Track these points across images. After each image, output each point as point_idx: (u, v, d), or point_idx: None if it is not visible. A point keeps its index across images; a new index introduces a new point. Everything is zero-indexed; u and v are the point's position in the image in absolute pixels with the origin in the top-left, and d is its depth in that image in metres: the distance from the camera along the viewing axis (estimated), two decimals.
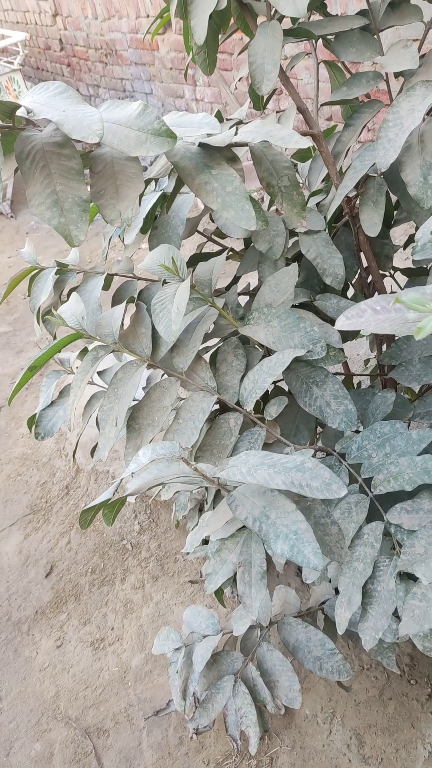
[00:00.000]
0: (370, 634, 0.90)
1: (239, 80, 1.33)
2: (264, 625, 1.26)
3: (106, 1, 4.48)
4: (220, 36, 1.13)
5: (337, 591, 1.02)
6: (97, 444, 1.04)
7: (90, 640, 1.74)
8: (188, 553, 1.82)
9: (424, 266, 1.31)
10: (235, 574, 0.97)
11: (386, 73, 1.09)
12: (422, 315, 0.55)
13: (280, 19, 1.00)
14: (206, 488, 1.30)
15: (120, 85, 5.00)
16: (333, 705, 1.44)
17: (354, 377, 1.80)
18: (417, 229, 1.10)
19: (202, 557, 1.82)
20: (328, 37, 1.10)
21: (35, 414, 1.18)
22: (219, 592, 1.38)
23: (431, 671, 1.45)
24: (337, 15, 1.11)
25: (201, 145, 0.83)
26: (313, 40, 1.14)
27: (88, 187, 0.71)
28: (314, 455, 1.12)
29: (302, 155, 1.40)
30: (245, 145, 0.91)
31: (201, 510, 1.61)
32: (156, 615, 1.75)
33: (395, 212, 1.29)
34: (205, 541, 1.37)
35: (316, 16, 1.17)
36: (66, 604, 1.84)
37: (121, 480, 0.85)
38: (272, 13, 1.00)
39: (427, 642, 0.86)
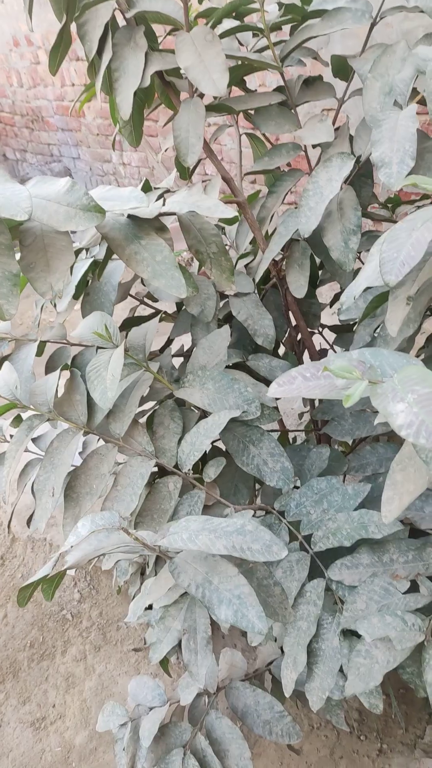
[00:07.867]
0: (317, 694, 0.89)
1: (165, 150, 1.37)
2: (211, 692, 1.23)
3: (31, 70, 4.57)
4: (145, 110, 1.17)
5: (283, 650, 1.01)
6: (33, 512, 1.02)
7: (30, 719, 1.65)
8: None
9: (350, 323, 1.36)
10: (180, 641, 0.96)
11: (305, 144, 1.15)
12: (350, 382, 0.57)
13: (202, 95, 1.05)
14: None
15: (47, 150, 5.06)
16: None
17: (290, 432, 1.83)
18: (342, 288, 1.15)
19: (145, 623, 1.77)
20: (249, 111, 1.16)
21: None
22: (164, 661, 1.34)
23: (380, 726, 1.44)
24: (256, 91, 1.17)
25: (130, 216, 0.85)
26: (235, 114, 1.20)
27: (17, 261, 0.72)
28: (254, 514, 1.13)
29: (229, 219, 1.45)
30: (173, 214, 0.94)
31: (143, 574, 1.58)
32: (99, 688, 1.69)
33: (320, 272, 1.34)
34: (148, 606, 1.34)
35: (238, 91, 1.23)
36: (3, 682, 1.75)
37: (60, 553, 0.83)
38: (194, 90, 1.04)
39: (373, 699, 0.86)
